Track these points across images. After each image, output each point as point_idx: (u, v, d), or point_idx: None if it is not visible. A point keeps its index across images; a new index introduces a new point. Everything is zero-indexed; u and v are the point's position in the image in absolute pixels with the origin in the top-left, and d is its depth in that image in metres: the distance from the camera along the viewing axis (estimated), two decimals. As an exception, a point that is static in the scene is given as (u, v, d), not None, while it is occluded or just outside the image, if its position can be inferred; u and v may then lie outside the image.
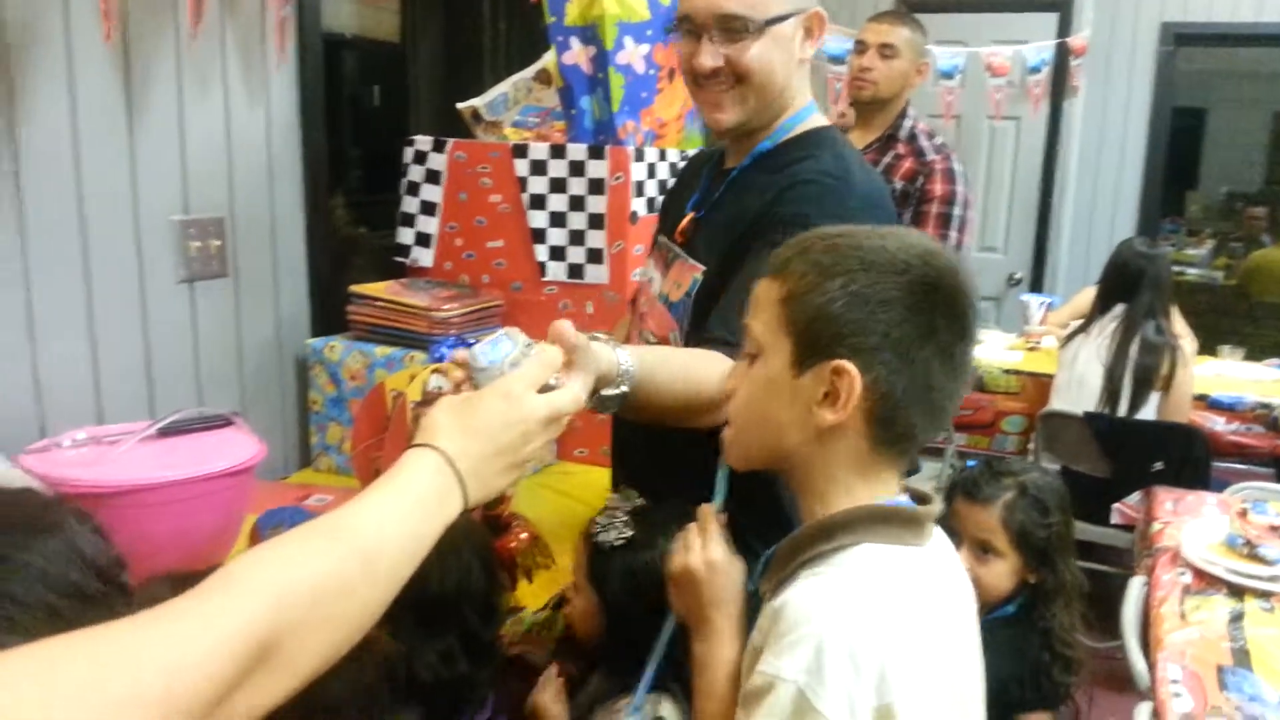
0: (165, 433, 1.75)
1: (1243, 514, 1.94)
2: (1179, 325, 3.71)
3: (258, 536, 1.68)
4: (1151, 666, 1.60)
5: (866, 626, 0.85)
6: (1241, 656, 1.59)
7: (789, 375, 0.95)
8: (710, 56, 1.35)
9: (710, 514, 1.11)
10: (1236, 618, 1.72)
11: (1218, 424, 3.25)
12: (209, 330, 2.11)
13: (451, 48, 3.14)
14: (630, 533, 1.34)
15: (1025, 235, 5.08)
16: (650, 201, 2.38)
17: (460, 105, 2.58)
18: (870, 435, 0.94)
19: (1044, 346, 3.87)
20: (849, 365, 0.91)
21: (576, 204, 2.35)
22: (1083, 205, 5.56)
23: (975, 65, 4.63)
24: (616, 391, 1.13)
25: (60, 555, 0.78)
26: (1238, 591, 1.81)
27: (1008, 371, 3.60)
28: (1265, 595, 1.78)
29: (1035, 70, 4.50)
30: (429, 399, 1.85)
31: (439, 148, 2.46)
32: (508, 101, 2.55)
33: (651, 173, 2.37)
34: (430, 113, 3.09)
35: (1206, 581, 1.84)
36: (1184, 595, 1.78)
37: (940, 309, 0.93)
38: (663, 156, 2.41)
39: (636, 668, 1.33)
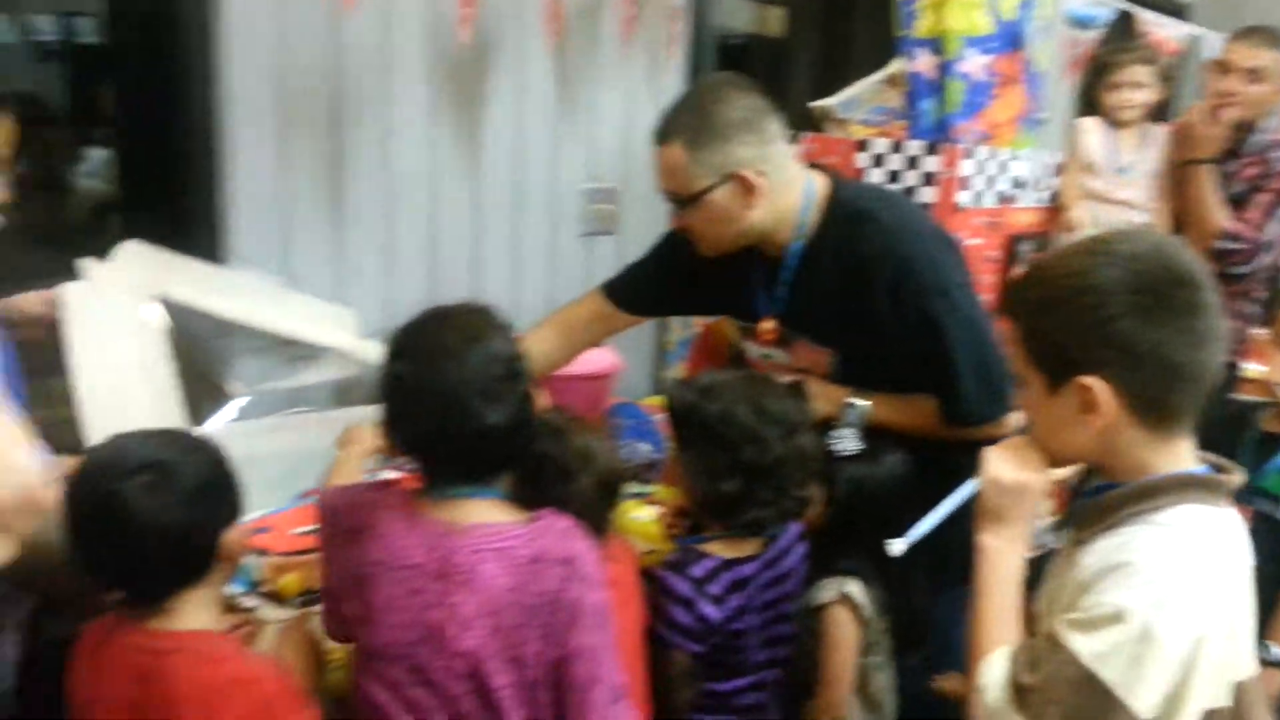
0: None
1: None
2: None
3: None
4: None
5: (1199, 572, 1.01)
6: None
7: (1050, 398, 1.08)
8: (677, 218, 1.70)
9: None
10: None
11: None
12: (598, 275, 2.68)
13: (827, 47, 3.53)
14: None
15: None
16: (978, 195, 2.63)
17: (811, 104, 2.96)
18: (1141, 424, 1.04)
19: None
20: (1089, 380, 1.03)
21: (909, 194, 2.66)
22: None
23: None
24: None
25: (490, 355, 1.15)
26: None
27: None
28: None
29: None
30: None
31: (794, 140, 2.87)
32: (859, 103, 2.90)
33: (980, 169, 2.62)
34: (801, 105, 3.50)
35: None
36: None
37: (1159, 297, 1.01)
38: (992, 156, 2.64)
39: (839, 557, 1.64)
